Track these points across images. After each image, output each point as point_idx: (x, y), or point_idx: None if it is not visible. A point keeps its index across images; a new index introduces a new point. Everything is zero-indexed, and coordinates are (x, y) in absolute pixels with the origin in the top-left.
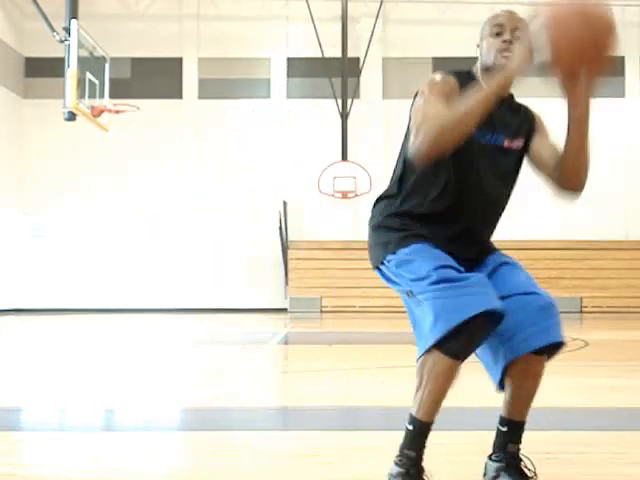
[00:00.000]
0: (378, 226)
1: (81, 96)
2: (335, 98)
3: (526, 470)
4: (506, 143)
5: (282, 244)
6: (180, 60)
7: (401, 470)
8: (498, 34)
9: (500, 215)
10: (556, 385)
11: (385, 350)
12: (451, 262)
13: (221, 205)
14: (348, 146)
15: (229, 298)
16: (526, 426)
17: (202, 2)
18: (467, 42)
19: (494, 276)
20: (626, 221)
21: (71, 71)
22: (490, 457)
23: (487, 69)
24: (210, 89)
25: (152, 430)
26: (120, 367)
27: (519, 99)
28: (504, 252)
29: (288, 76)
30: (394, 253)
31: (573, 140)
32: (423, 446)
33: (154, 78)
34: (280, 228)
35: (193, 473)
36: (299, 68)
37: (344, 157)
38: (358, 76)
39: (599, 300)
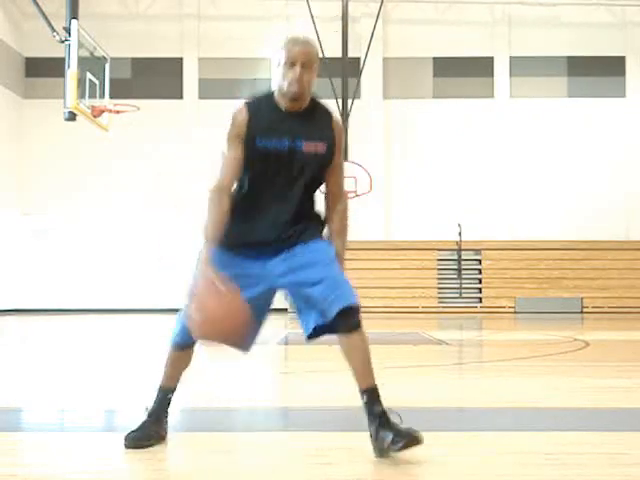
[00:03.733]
0: None
1: (81, 96)
2: (335, 98)
3: (394, 419)
4: (305, 146)
5: None
6: (180, 60)
7: (375, 424)
8: (292, 65)
9: (298, 210)
10: (556, 385)
11: (385, 350)
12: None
13: None
14: (348, 146)
15: None
16: (526, 427)
17: (202, 2)
18: (467, 42)
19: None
20: (627, 221)
21: (71, 71)
22: (368, 423)
23: (281, 93)
24: (210, 89)
25: None
26: (120, 367)
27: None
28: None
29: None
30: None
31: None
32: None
33: (154, 78)
34: None
35: (193, 473)
36: None
37: (344, 157)
38: (358, 76)
39: (600, 300)
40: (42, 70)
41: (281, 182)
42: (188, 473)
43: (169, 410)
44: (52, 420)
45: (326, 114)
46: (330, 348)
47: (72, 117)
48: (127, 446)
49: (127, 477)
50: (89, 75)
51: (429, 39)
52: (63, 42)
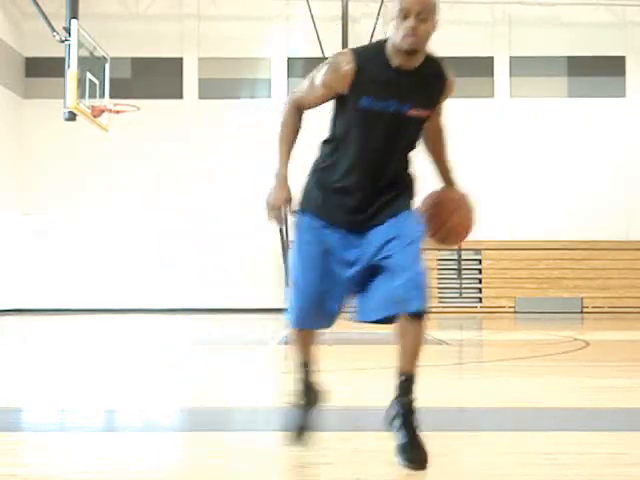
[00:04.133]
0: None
1: (81, 96)
2: None
3: (414, 422)
4: (410, 112)
5: (282, 244)
6: (180, 60)
7: (397, 409)
8: (405, 17)
9: (393, 175)
10: (556, 385)
11: (385, 350)
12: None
13: (221, 205)
14: None
15: (229, 298)
16: (526, 427)
17: (202, 2)
18: (467, 42)
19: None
20: (627, 221)
21: (71, 71)
22: (394, 399)
23: (395, 48)
24: (210, 89)
25: (152, 430)
26: (120, 367)
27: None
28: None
29: (289, 76)
30: (298, 211)
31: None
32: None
33: (154, 78)
34: (280, 228)
35: (193, 473)
36: (300, 68)
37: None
38: None
39: (600, 300)
40: (42, 70)
41: (378, 145)
42: (188, 473)
43: (317, 386)
44: (52, 420)
45: (439, 74)
46: (330, 348)
47: (72, 117)
48: (295, 444)
49: (127, 477)
50: (89, 75)
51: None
52: (63, 42)
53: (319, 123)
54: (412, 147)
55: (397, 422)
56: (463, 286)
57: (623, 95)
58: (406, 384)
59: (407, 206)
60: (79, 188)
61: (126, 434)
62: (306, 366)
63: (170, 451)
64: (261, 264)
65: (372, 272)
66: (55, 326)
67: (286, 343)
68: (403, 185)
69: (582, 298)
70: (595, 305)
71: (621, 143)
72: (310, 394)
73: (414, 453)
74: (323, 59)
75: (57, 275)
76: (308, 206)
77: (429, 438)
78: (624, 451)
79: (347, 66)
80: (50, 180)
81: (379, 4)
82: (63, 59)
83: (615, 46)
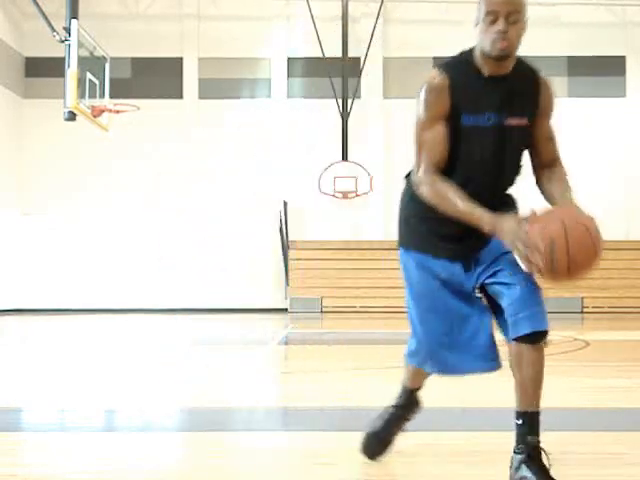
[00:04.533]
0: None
1: (81, 96)
2: (336, 98)
3: (546, 463)
4: (508, 121)
5: (282, 244)
6: (180, 60)
7: (521, 457)
8: (493, 21)
9: (504, 192)
10: (556, 385)
11: (385, 350)
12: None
13: (221, 205)
14: (348, 146)
15: (229, 298)
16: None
17: (202, 2)
18: (468, 42)
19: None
20: (627, 221)
21: (71, 71)
22: (514, 449)
23: (484, 55)
24: (210, 89)
25: (152, 430)
26: (120, 367)
27: None
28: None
29: (289, 76)
30: (400, 248)
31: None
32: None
33: (154, 78)
34: (280, 228)
35: (193, 473)
36: (300, 68)
37: (344, 157)
38: (359, 76)
39: (600, 300)
40: (42, 70)
41: (484, 164)
42: (188, 473)
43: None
44: (52, 420)
45: (531, 76)
46: (330, 348)
47: (72, 117)
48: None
49: (127, 477)
50: (89, 75)
51: (429, 39)
52: (63, 42)
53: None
54: (518, 167)
55: (527, 469)
56: None
57: (623, 95)
58: (531, 423)
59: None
60: (79, 188)
61: (126, 434)
62: (411, 393)
63: (170, 451)
64: (261, 264)
65: (488, 292)
66: (55, 326)
67: (286, 343)
68: (512, 201)
69: (582, 298)
70: (595, 305)
71: (621, 143)
72: (400, 423)
73: None
74: (323, 59)
75: (57, 275)
76: (410, 241)
77: (429, 438)
78: (624, 451)
79: (441, 87)
80: (50, 180)
81: (379, 4)
82: (63, 59)
83: (615, 46)
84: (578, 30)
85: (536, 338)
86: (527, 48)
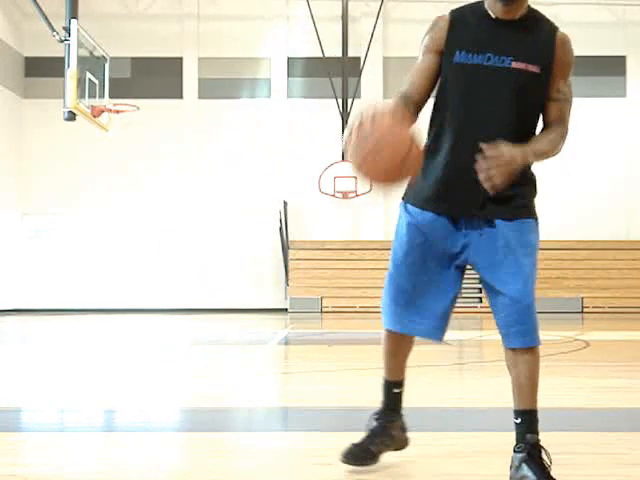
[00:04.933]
0: None
1: (81, 96)
2: (336, 98)
3: (546, 460)
4: (513, 64)
5: (282, 244)
6: (180, 60)
7: (522, 455)
8: None
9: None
10: (557, 385)
11: None
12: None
13: (221, 205)
14: None
15: (229, 298)
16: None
17: (202, 2)
18: None
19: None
20: (627, 221)
21: (71, 71)
22: (514, 449)
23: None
24: (210, 89)
25: (152, 430)
26: (120, 367)
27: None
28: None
29: (288, 76)
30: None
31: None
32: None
33: (154, 78)
34: (280, 228)
35: (193, 473)
36: (300, 68)
37: (344, 157)
38: (359, 76)
39: (600, 300)
40: (42, 70)
41: (483, 108)
42: (188, 473)
43: (400, 411)
44: (52, 420)
45: (547, 27)
46: (330, 348)
47: (72, 117)
48: (345, 462)
49: (127, 477)
50: (89, 75)
51: None
52: (63, 42)
53: None
54: (531, 119)
55: (527, 467)
56: (463, 286)
57: (624, 95)
58: (530, 422)
59: (527, 210)
60: (79, 188)
61: (126, 434)
62: (394, 387)
63: (170, 451)
64: (261, 264)
65: (484, 286)
66: (55, 326)
67: (286, 343)
68: (525, 178)
69: (582, 298)
70: (595, 305)
71: (621, 143)
72: (386, 434)
73: None
74: (323, 59)
75: (57, 275)
76: (406, 193)
77: (429, 438)
78: (624, 451)
79: (442, 22)
80: (50, 180)
81: (379, 4)
82: (63, 59)
83: (615, 46)
84: (578, 30)
85: (528, 347)
86: None
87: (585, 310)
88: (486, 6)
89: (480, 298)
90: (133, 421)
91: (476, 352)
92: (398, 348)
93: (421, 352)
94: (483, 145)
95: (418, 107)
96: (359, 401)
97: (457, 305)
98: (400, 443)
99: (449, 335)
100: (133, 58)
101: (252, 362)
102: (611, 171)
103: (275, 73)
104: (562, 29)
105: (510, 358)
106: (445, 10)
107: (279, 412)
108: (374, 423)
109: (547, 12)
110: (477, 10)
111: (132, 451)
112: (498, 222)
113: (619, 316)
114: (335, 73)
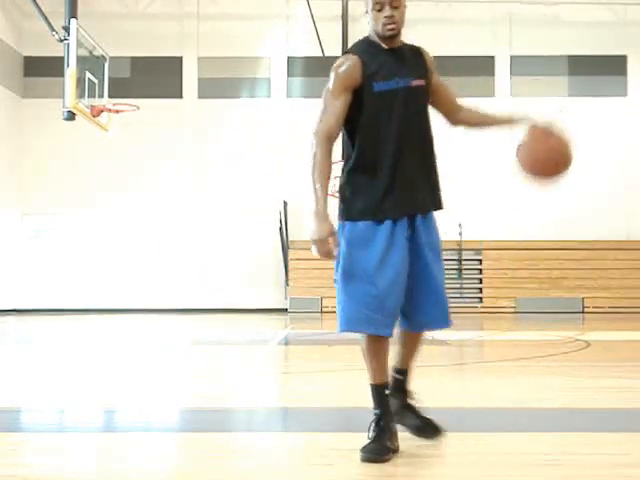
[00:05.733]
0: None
1: (80, 95)
2: None
3: (414, 402)
4: (413, 83)
5: (282, 244)
6: (180, 59)
7: (399, 401)
8: (380, 9)
9: (428, 152)
10: (557, 386)
11: None
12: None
13: (221, 205)
14: None
15: (229, 298)
16: (526, 427)
17: (202, 1)
18: (468, 41)
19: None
20: (627, 221)
21: (70, 70)
22: (392, 395)
23: (379, 36)
24: (210, 88)
25: (152, 430)
26: (120, 367)
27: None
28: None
29: (288, 75)
30: (343, 222)
31: (496, 126)
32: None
33: (154, 77)
34: (280, 228)
35: (193, 473)
36: (299, 67)
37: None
38: None
39: (601, 300)
40: (41, 69)
41: (402, 123)
42: (188, 473)
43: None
44: (52, 420)
45: (416, 49)
46: (330, 348)
47: (71, 117)
48: (363, 460)
49: (127, 477)
50: (88, 74)
51: (429, 38)
52: (62, 41)
53: None
54: (429, 128)
55: (410, 413)
56: (464, 286)
57: (624, 94)
58: (408, 377)
59: (440, 204)
60: (79, 188)
61: (126, 434)
62: (382, 392)
63: (170, 451)
64: (261, 264)
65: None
66: (55, 326)
67: (286, 343)
68: (436, 176)
69: (583, 298)
70: (596, 305)
71: (622, 142)
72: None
73: (432, 427)
74: (323, 58)
75: (57, 275)
76: (355, 212)
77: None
78: (625, 452)
79: (351, 62)
80: (50, 180)
81: None
82: (62, 58)
83: (616, 45)
84: (579, 29)
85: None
86: (528, 48)
87: (586, 310)
88: (375, 39)
89: (481, 298)
90: (133, 421)
91: (476, 352)
92: (383, 350)
93: (421, 352)
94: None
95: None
96: (359, 401)
97: (458, 305)
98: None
99: (450, 335)
100: (133, 57)
101: (252, 362)
102: (612, 171)
103: (275, 73)
104: (563, 29)
105: (403, 335)
106: (445, 10)
107: (279, 412)
108: (377, 426)
109: (548, 11)
110: (371, 45)
111: (132, 451)
112: (421, 225)
113: (620, 316)
114: None
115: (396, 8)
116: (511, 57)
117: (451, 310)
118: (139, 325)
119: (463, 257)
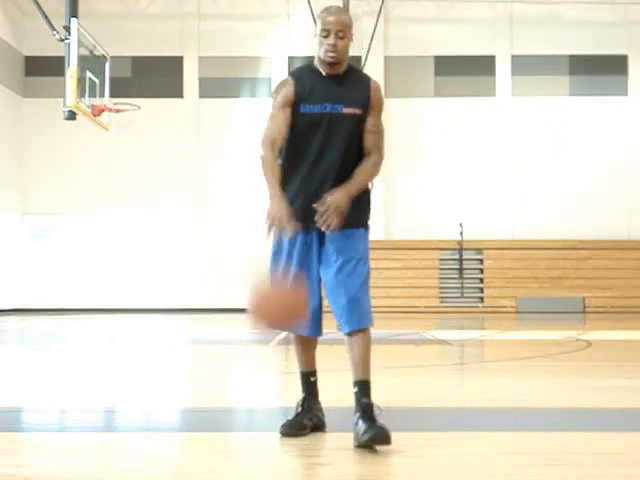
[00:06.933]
0: None
1: (81, 95)
2: None
3: (377, 412)
4: (344, 110)
5: None
6: (181, 59)
7: (358, 414)
8: (326, 36)
9: (344, 174)
10: (558, 386)
11: (386, 350)
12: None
13: (222, 205)
14: None
15: (230, 298)
16: (526, 427)
17: (203, 1)
18: (469, 40)
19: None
20: (628, 221)
21: (71, 70)
22: (354, 411)
23: (320, 61)
24: (211, 88)
25: (152, 430)
26: (120, 367)
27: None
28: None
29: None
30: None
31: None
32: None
33: (155, 77)
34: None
35: (193, 473)
36: None
37: None
38: None
39: (601, 300)
40: (42, 69)
41: (321, 146)
42: (188, 473)
43: (318, 397)
44: (53, 420)
45: (363, 78)
46: (331, 348)
47: (72, 116)
48: (282, 434)
49: (127, 477)
50: (89, 74)
51: (430, 37)
52: (63, 41)
53: None
54: (356, 147)
55: (361, 421)
56: (465, 286)
57: (625, 94)
58: (363, 389)
59: (362, 221)
60: (79, 188)
61: (126, 434)
62: (311, 376)
63: (170, 451)
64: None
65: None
66: (55, 326)
67: (286, 343)
68: (359, 196)
69: (584, 298)
70: (597, 305)
71: (623, 142)
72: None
73: (375, 430)
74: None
75: (57, 275)
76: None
77: (429, 438)
78: (625, 452)
79: (287, 84)
80: (50, 180)
81: (380, 3)
82: (63, 58)
83: (617, 45)
84: (580, 28)
85: (358, 331)
86: (529, 47)
87: (587, 310)
88: (316, 64)
89: (482, 298)
90: (133, 421)
91: (477, 352)
92: (311, 343)
93: (422, 352)
94: (314, 205)
95: (279, 149)
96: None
97: (459, 305)
98: (320, 425)
99: (451, 334)
100: (133, 57)
101: (252, 362)
102: (613, 170)
103: (276, 72)
104: (564, 28)
105: (348, 342)
106: (446, 9)
107: (279, 412)
108: (301, 406)
109: (549, 11)
110: (310, 69)
111: (132, 451)
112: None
113: (621, 316)
114: None
115: (341, 38)
116: (512, 56)
117: (452, 310)
118: (139, 325)
119: (464, 257)
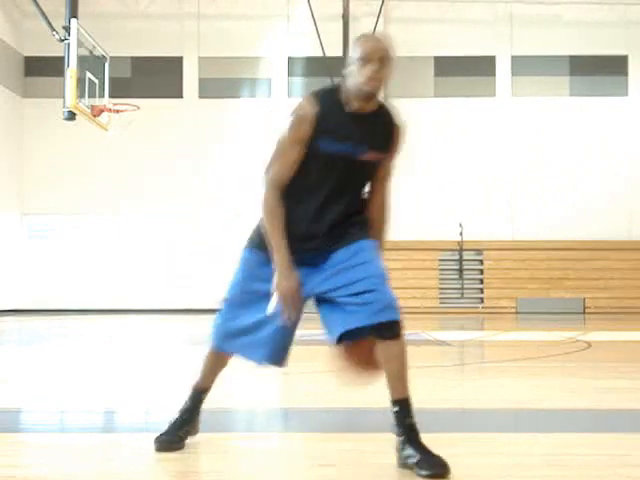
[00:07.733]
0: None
1: (81, 95)
2: None
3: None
4: (364, 156)
5: None
6: (180, 59)
7: (403, 437)
8: (367, 62)
9: (348, 212)
10: (558, 386)
11: None
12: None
13: (222, 204)
14: None
15: None
16: (526, 427)
17: (202, 1)
18: (469, 41)
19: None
20: (629, 221)
21: (71, 70)
22: (396, 433)
23: (354, 92)
24: (211, 88)
25: (152, 431)
26: (120, 368)
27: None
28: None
29: (289, 75)
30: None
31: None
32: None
33: (154, 77)
34: None
35: (193, 473)
36: (300, 67)
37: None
38: None
39: (602, 301)
40: (41, 69)
41: (334, 186)
42: (188, 473)
43: (200, 410)
44: (52, 421)
45: (391, 120)
46: (330, 348)
47: (72, 116)
48: (157, 449)
49: (127, 477)
50: (89, 74)
51: (430, 38)
52: (62, 41)
53: None
54: (362, 192)
55: (410, 448)
56: (464, 286)
57: (625, 94)
58: (404, 408)
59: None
60: (79, 188)
61: (126, 434)
62: (203, 394)
63: (170, 451)
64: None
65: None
66: (55, 326)
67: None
68: (361, 227)
69: (584, 298)
70: (597, 305)
71: (623, 142)
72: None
73: (433, 464)
74: (324, 58)
75: (57, 275)
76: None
77: (430, 439)
78: (626, 452)
79: (309, 115)
80: (50, 180)
81: (380, 3)
82: (62, 58)
83: (617, 45)
84: (580, 29)
85: (392, 332)
86: (529, 48)
87: (587, 311)
88: (343, 98)
89: (481, 299)
90: (133, 421)
91: (477, 353)
92: (220, 364)
93: (422, 352)
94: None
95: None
96: (359, 401)
97: (459, 305)
98: (195, 431)
99: (451, 335)
100: (133, 57)
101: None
102: (613, 171)
103: (275, 73)
104: (564, 29)
105: (382, 352)
106: (446, 10)
107: (279, 413)
108: (181, 416)
109: (549, 11)
110: (335, 102)
111: (132, 451)
112: (341, 251)
113: (621, 317)
114: (336, 73)
115: (385, 66)
116: (512, 57)
117: (452, 310)
118: (139, 325)
119: (464, 257)
